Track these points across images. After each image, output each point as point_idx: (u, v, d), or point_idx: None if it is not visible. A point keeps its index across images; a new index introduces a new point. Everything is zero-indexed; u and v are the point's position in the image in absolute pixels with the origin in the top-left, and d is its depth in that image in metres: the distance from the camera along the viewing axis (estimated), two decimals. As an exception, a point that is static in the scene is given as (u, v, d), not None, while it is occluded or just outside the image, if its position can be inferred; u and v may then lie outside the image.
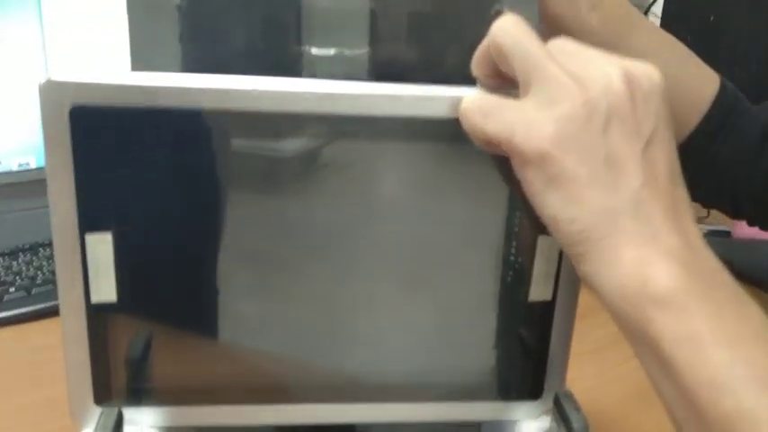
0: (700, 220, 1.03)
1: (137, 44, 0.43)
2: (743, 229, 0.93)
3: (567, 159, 0.34)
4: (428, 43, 0.45)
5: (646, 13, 1.34)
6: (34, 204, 0.87)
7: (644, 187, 0.34)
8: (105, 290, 0.39)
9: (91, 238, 0.38)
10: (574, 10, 0.56)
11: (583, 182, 0.34)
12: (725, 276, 0.35)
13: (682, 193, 0.36)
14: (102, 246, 0.38)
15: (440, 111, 0.38)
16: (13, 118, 0.83)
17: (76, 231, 0.38)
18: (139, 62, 0.43)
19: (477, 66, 0.38)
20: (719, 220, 0.98)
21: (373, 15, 0.44)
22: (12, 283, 0.77)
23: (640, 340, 0.34)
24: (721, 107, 0.62)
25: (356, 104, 0.38)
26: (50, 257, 0.83)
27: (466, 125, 0.37)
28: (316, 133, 0.39)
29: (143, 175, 0.38)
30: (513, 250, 0.42)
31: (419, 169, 0.41)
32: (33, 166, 0.85)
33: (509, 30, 0.35)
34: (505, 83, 0.37)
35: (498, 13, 0.45)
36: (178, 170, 0.38)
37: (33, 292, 0.76)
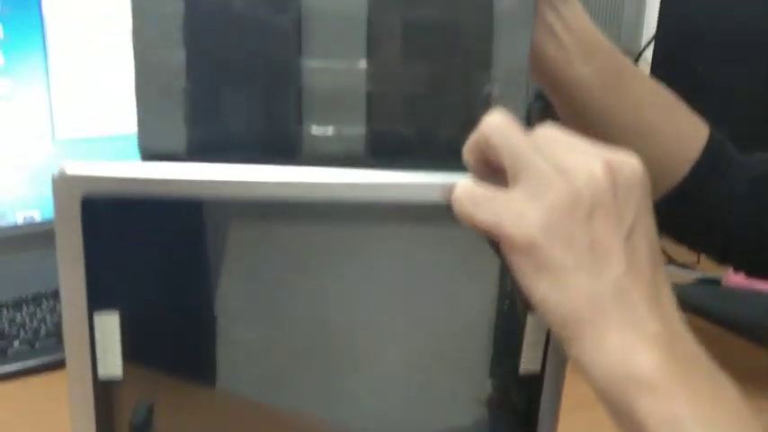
0: (690, 266, 1.05)
1: (145, 123, 0.45)
2: (733, 278, 0.95)
3: (553, 248, 0.36)
4: (422, 121, 0.47)
5: (637, 59, 1.37)
6: (38, 255, 0.89)
7: (627, 274, 0.36)
8: (112, 366, 0.41)
9: (99, 317, 0.40)
10: (567, 64, 0.58)
11: (569, 269, 0.36)
12: (703, 360, 0.37)
13: (662, 278, 0.38)
14: (109, 324, 0.40)
15: (433, 196, 0.40)
16: (19, 172, 0.85)
17: (85, 310, 0.40)
18: (147, 140, 0.46)
19: (468, 153, 0.40)
20: (710, 268, 1.00)
21: (370, 97, 0.46)
22: (16, 336, 0.78)
23: (625, 420, 0.36)
24: (711, 155, 0.64)
25: (353, 190, 0.40)
26: (53, 309, 0.84)
27: (457, 212, 0.39)
28: (313, 218, 0.41)
29: (148, 258, 0.40)
30: (503, 325, 0.44)
31: (413, 249, 0.43)
32: (38, 219, 0.87)
33: (498, 126, 0.38)
34: (495, 169, 0.40)
35: (489, 94, 0.48)
36: (182, 253, 0.41)
37: (37, 345, 0.77)
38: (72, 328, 0.40)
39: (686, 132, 0.64)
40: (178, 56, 0.44)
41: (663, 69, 1.16)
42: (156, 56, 0.44)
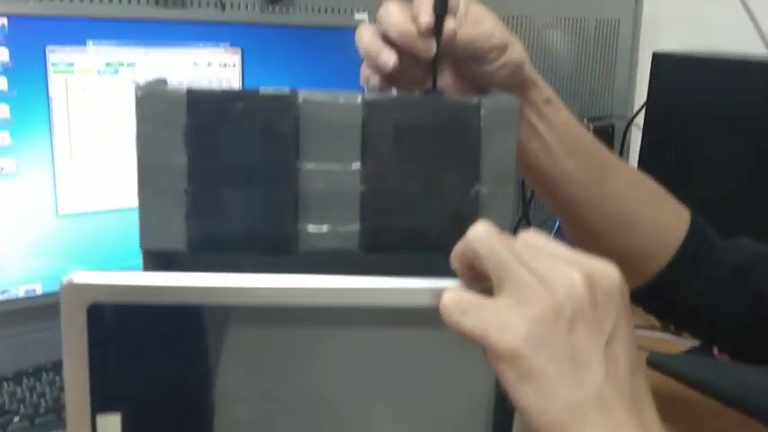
0: (680, 334, 1.06)
1: (146, 221, 0.47)
2: (724, 347, 0.96)
3: (536, 358, 0.38)
4: (413, 218, 0.49)
5: (628, 125, 1.40)
6: (38, 327, 0.91)
7: (606, 382, 0.38)
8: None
9: (102, 419, 0.42)
10: (551, 160, 0.61)
11: (551, 377, 0.37)
12: None
13: (641, 382, 0.39)
14: (111, 426, 0.42)
15: (423, 301, 0.42)
16: (21, 247, 0.87)
17: (88, 412, 0.41)
18: (148, 237, 0.48)
19: (455, 261, 0.42)
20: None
21: (364, 196, 0.48)
22: (16, 412, 0.79)
23: None
24: (694, 242, 0.67)
25: (345, 295, 0.42)
26: (53, 382, 0.85)
27: (445, 320, 0.40)
28: (310, 321, 0.43)
29: (150, 361, 0.42)
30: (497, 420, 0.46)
31: (407, 349, 0.44)
32: (39, 292, 0.89)
33: (483, 238, 0.40)
34: (481, 275, 0.42)
35: (478, 192, 0.50)
36: (183, 356, 0.42)
37: (37, 421, 0.78)
38: (76, 428, 0.42)
39: (667, 221, 0.67)
40: (180, 160, 0.46)
41: (655, 132, 1.19)
42: (158, 160, 0.46)
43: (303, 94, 0.47)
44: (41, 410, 0.79)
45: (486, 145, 0.49)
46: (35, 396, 0.82)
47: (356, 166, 0.48)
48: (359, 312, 0.42)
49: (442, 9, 0.52)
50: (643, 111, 1.24)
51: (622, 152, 1.39)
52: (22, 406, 0.80)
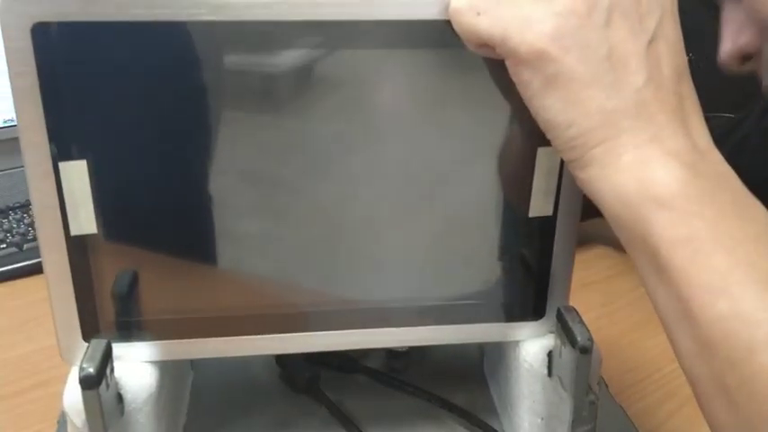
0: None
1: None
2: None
3: (566, 57, 0.31)
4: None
5: None
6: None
7: (647, 86, 0.32)
8: (85, 222, 0.38)
9: (65, 167, 0.36)
10: None
11: (582, 81, 0.32)
12: (731, 180, 0.33)
13: (688, 90, 0.34)
14: (77, 175, 0.37)
15: (430, 12, 0.35)
16: None
17: (49, 161, 0.36)
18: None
19: None
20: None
21: None
22: (3, 240, 0.75)
23: (638, 245, 0.32)
24: None
25: (343, 8, 0.35)
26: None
27: (457, 25, 0.34)
28: (307, 44, 0.36)
29: (120, 96, 0.36)
30: (512, 163, 0.40)
31: (415, 78, 0.38)
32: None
33: None
34: None
35: None
36: (160, 89, 0.36)
37: (25, 247, 0.74)
38: (37, 181, 0.37)
39: None
40: None
41: None
42: None
43: None
44: (30, 237, 0.76)
45: None
46: (23, 226, 0.78)
47: None
48: (360, 29, 0.36)
49: None
50: None
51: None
52: (9, 235, 0.76)
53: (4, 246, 0.74)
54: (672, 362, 0.59)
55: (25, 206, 0.83)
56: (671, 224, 0.31)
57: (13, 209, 0.82)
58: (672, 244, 0.31)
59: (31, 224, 0.79)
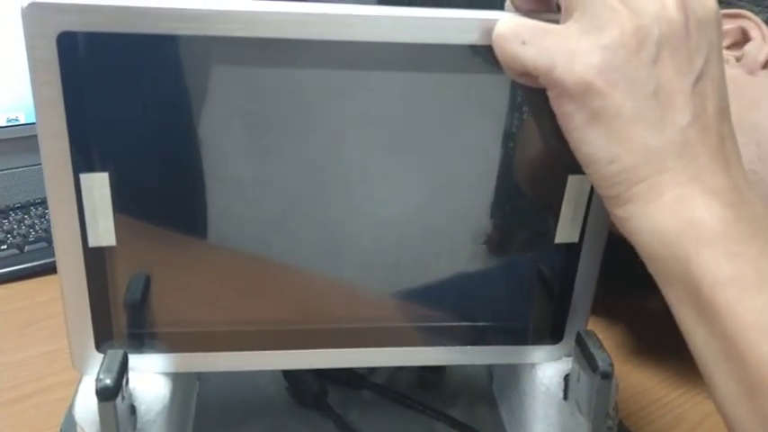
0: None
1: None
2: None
3: (612, 92, 0.31)
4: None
5: None
6: (24, 162, 0.85)
7: (692, 125, 0.32)
8: (103, 234, 0.37)
9: (86, 179, 0.36)
10: None
11: (627, 118, 0.31)
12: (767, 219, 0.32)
13: (728, 130, 0.33)
14: (98, 187, 0.36)
15: (471, 37, 0.35)
16: (1, 73, 0.80)
17: (70, 172, 0.36)
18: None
19: None
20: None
21: None
22: (3, 242, 0.74)
23: (677, 284, 0.32)
24: None
25: (375, 29, 0.35)
26: (43, 216, 0.80)
27: (500, 53, 0.33)
28: (326, 61, 0.36)
29: (145, 109, 0.35)
30: (541, 190, 0.40)
31: (442, 102, 0.38)
32: (23, 121, 0.82)
33: None
34: (541, 6, 0.35)
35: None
36: (185, 103, 0.36)
37: (26, 249, 0.73)
38: (57, 192, 0.36)
39: None
40: None
41: None
42: None
43: None
44: (31, 239, 0.75)
45: None
46: (24, 227, 0.77)
47: None
48: (380, 53, 0.35)
49: None
50: None
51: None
52: (9, 236, 0.75)
53: (5, 247, 0.73)
54: (677, 388, 0.60)
55: (26, 206, 0.82)
56: (714, 263, 0.30)
57: (13, 209, 0.81)
58: (715, 283, 0.30)
59: (32, 225, 0.78)
